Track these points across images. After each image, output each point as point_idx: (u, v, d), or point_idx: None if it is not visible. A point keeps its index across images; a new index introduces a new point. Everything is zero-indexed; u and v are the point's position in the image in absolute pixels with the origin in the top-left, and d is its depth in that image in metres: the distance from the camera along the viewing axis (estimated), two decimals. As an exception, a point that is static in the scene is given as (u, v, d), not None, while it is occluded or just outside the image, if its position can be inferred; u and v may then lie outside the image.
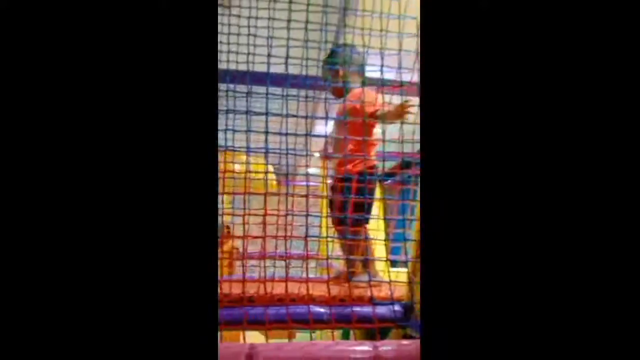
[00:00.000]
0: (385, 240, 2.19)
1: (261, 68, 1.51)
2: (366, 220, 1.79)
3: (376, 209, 2.28)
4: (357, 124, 1.65)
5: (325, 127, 1.77)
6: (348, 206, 1.65)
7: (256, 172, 1.46)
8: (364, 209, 1.66)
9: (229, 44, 1.60)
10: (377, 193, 2.33)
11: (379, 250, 2.22)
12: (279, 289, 1.50)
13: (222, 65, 1.43)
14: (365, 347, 1.04)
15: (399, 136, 1.42)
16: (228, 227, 2.51)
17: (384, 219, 2.24)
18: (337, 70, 1.83)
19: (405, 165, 1.90)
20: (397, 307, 1.45)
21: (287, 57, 1.48)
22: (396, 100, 1.47)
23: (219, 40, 1.42)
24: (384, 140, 1.43)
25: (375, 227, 2.19)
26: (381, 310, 1.40)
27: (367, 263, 1.72)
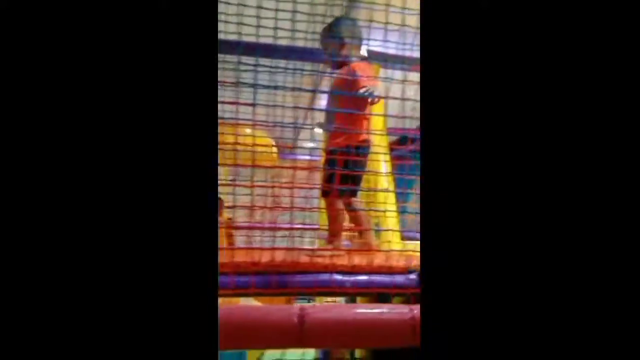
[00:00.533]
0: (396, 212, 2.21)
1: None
2: (353, 193, 1.81)
3: (386, 182, 2.28)
4: (345, 98, 1.65)
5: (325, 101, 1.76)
6: (333, 178, 1.66)
7: (254, 145, 1.50)
8: (348, 181, 1.67)
9: (236, 15, 1.61)
10: (387, 167, 2.33)
11: (390, 222, 2.25)
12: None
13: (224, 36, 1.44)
14: (404, 309, 1.13)
15: (399, 112, 1.42)
16: (221, 199, 2.58)
17: (394, 192, 2.25)
18: (337, 42, 1.81)
19: (403, 141, 1.89)
20: (413, 276, 1.50)
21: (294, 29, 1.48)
22: (398, 75, 1.45)
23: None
24: (386, 115, 1.43)
25: (385, 200, 2.21)
26: (399, 279, 1.46)
27: (336, 234, 1.76)
